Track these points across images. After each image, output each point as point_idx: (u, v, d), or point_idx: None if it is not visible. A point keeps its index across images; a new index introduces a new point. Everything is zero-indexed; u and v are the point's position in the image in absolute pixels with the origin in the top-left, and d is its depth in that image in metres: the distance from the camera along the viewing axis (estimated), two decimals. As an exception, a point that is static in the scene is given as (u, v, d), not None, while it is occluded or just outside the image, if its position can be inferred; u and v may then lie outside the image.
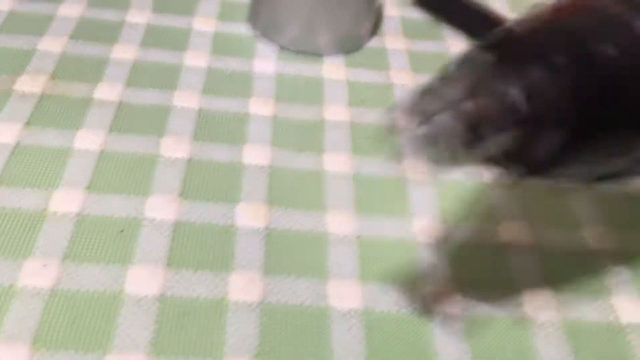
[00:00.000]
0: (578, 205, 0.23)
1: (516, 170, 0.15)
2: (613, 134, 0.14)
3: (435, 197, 0.22)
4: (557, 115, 0.13)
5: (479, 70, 0.14)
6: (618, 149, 0.14)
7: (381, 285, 0.19)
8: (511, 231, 0.21)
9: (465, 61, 0.14)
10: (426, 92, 0.13)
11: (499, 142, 0.13)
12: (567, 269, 0.20)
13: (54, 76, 0.24)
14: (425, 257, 0.20)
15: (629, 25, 0.14)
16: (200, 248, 0.19)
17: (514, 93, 0.13)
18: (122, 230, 0.20)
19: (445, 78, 0.13)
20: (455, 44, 0.29)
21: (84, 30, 0.27)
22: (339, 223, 0.21)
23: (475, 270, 0.20)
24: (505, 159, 0.14)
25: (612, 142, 0.14)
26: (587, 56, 0.13)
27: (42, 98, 0.23)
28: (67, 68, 0.25)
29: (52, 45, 0.26)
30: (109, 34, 0.27)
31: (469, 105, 0.13)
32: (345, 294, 0.19)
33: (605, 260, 0.21)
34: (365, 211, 0.21)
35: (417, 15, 0.31)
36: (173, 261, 0.19)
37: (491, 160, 0.15)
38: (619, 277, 0.20)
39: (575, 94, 0.13)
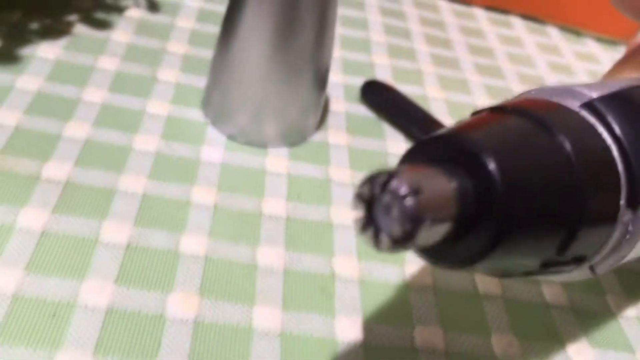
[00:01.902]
0: (490, 312, 0.24)
1: (439, 264, 0.16)
2: (530, 238, 0.16)
3: (359, 297, 0.24)
4: (484, 216, 0.15)
5: (424, 163, 0.15)
6: (531, 252, 0.16)
7: (297, 384, 0.20)
8: (426, 335, 0.23)
9: (411, 154, 0.16)
10: (372, 180, 0.14)
11: (431, 235, 0.14)
12: (474, 375, 0.22)
13: (3, 151, 0.25)
14: (346, 355, 0.21)
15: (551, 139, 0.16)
16: (129, 335, 0.20)
17: (454, 189, 0.14)
18: (54, 315, 0.20)
19: (390, 170, 0.14)
20: (394, 144, 0.31)
21: (39, 105, 0.28)
22: (265, 318, 0.22)
23: (388, 373, 0.21)
24: (430, 252, 0.16)
25: (527, 245, 0.16)
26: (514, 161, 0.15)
27: (-9, 173, 0.24)
28: (17, 143, 0.26)
29: (6, 118, 0.27)
30: (64, 110, 0.28)
31: (411, 201, 0.13)
32: (262, 392, 0.20)
33: (508, 369, 0.22)
34: (291, 308, 0.23)
35: (362, 111, 0.33)
36: (100, 347, 0.20)
37: (419, 252, 0.16)
38: (518, 388, 0.22)
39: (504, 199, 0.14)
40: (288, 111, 0.29)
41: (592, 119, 0.18)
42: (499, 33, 0.46)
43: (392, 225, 0.14)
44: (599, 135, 0.17)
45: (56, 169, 0.25)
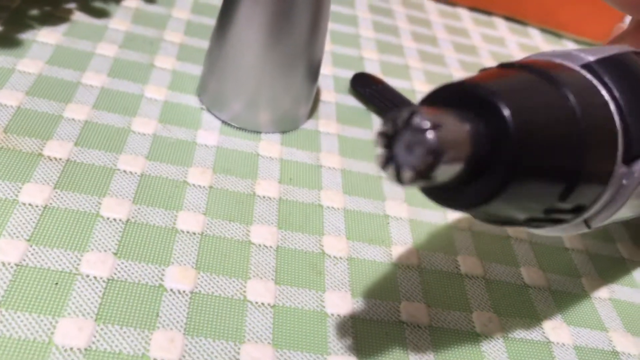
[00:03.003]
0: (472, 291, 0.26)
1: (450, 204, 0.17)
2: (536, 183, 0.17)
3: (347, 274, 0.25)
4: (495, 159, 0.16)
5: (443, 107, 0.16)
6: (536, 197, 0.17)
7: (292, 352, 0.21)
8: (411, 310, 0.24)
9: (428, 99, 0.17)
10: (395, 117, 0.15)
11: (448, 172, 0.15)
12: (456, 347, 0.23)
13: (6, 130, 0.26)
14: (336, 327, 0.23)
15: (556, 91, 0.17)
16: (128, 305, 0.21)
17: (472, 131, 0.15)
18: (56, 283, 0.21)
19: (414, 107, 0.15)
20: (381, 133, 0.33)
21: (40, 87, 0.29)
22: (258, 291, 0.23)
23: (375, 344, 0.22)
24: (441, 193, 0.17)
25: (533, 190, 0.17)
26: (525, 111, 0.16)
27: (-6, 149, 0.25)
28: (20, 122, 0.27)
29: (8, 99, 0.28)
30: (65, 92, 0.29)
31: (432, 135, 0.14)
32: (257, 358, 0.21)
33: (489, 342, 0.24)
34: (283, 282, 0.24)
35: (351, 102, 0.34)
36: (101, 315, 0.21)
37: (430, 192, 0.17)
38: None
39: (513, 146, 0.15)
40: (281, 100, 0.30)
41: (591, 78, 0.19)
42: (483, 32, 0.47)
43: (414, 158, 0.15)
44: (599, 92, 0.19)
45: (58, 148, 0.26)
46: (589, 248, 0.30)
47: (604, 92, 0.19)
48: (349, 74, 0.36)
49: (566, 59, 0.20)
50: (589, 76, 0.19)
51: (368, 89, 0.35)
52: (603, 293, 0.27)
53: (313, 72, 0.31)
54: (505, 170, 0.16)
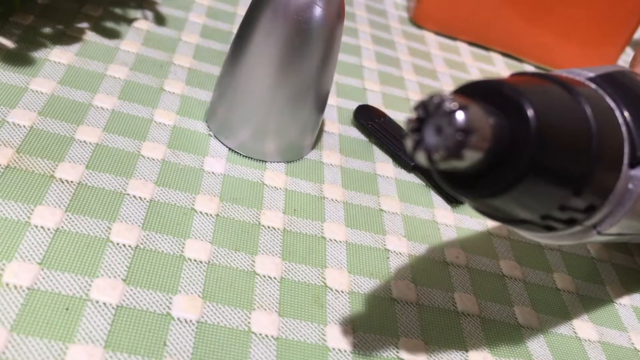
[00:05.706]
0: (467, 329, 0.26)
1: (466, 193, 0.18)
2: (544, 187, 0.18)
3: (349, 308, 0.25)
4: (515, 153, 0.17)
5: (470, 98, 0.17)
6: (551, 192, 0.18)
7: (292, 385, 0.22)
8: (409, 346, 0.25)
9: (461, 90, 0.18)
10: (426, 102, 0.16)
11: (471, 157, 0.16)
12: (451, 386, 0.24)
13: (19, 150, 0.26)
14: (332, 362, 0.23)
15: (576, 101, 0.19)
16: (137, 333, 0.22)
17: (495, 124, 0.17)
18: (67, 308, 0.22)
19: (442, 95, 0.16)
20: (383, 166, 0.34)
21: (53, 107, 0.29)
22: (262, 323, 0.24)
23: (374, 379, 0.23)
24: (460, 181, 0.18)
25: (539, 194, 0.18)
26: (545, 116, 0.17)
27: (7, 170, 0.25)
28: (33, 143, 0.27)
29: (21, 118, 0.28)
30: (77, 114, 0.29)
31: (462, 115, 0.16)
32: (260, 390, 0.21)
33: (482, 382, 0.25)
34: (286, 314, 0.24)
35: (354, 134, 0.35)
36: (110, 343, 0.21)
37: (448, 178, 0.18)
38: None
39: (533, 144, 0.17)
40: (288, 130, 0.31)
41: (597, 88, 0.21)
42: (480, 67, 0.49)
43: (444, 139, 0.16)
44: (605, 100, 0.20)
45: (69, 170, 0.26)
46: (580, 290, 0.31)
47: (609, 100, 0.20)
48: (353, 105, 0.37)
49: (571, 74, 0.21)
50: (593, 86, 0.21)
51: (370, 122, 0.36)
52: (592, 335, 0.28)
53: (320, 104, 0.31)
54: (522, 164, 0.17)
